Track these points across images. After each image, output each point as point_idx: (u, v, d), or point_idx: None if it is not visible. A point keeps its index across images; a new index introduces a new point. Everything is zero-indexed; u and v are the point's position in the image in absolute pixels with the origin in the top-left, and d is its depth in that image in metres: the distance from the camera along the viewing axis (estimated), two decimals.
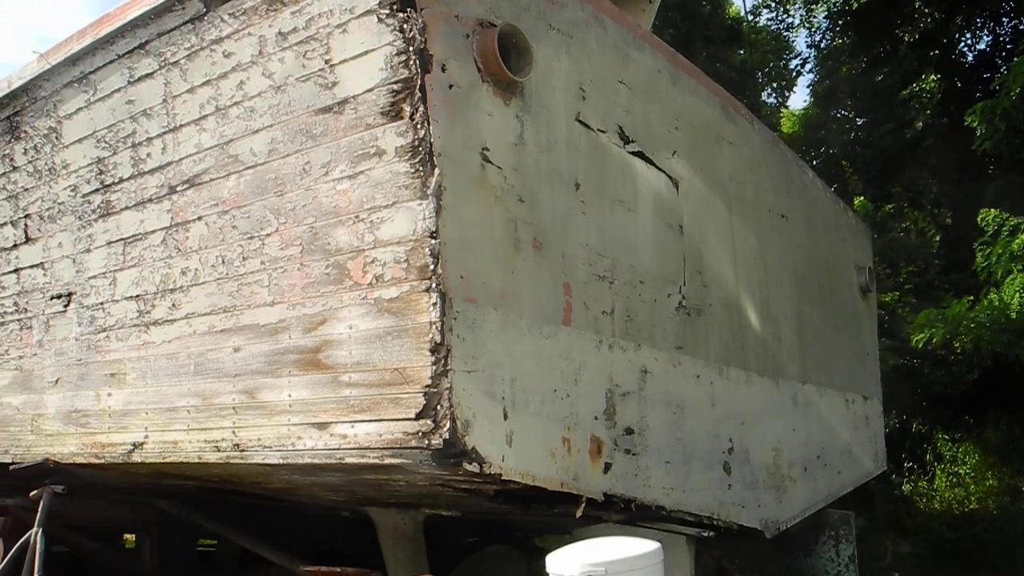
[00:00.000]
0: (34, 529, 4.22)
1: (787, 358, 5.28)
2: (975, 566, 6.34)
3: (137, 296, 4.04)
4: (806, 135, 16.09)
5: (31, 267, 4.73)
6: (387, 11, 2.99)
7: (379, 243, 2.99)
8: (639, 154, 4.00)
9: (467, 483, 3.13)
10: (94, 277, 4.30)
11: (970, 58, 12.41)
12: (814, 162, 16.77)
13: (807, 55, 19.00)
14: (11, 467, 4.63)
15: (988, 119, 9.03)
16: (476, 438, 2.81)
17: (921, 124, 10.86)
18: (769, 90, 20.36)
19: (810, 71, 17.41)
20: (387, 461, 2.92)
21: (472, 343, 2.87)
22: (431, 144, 2.88)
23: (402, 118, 2.95)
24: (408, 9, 2.95)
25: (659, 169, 4.14)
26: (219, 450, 3.56)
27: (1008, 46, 11.33)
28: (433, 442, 2.77)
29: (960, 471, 8.96)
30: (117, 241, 4.16)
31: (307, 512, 5.54)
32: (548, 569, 2.58)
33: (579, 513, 3.32)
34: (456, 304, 2.85)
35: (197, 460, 3.68)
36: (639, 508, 3.62)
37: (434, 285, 2.82)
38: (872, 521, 8.95)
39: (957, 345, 8.29)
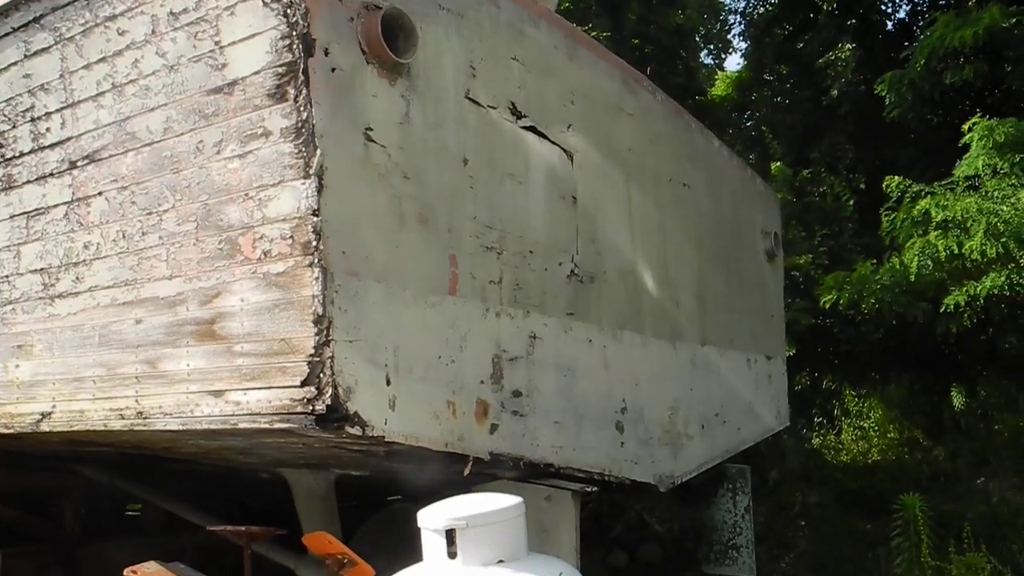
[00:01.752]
0: None
1: (686, 321, 5.55)
2: (873, 512, 6.76)
3: (41, 269, 4.12)
4: (738, 97, 16.39)
5: None
6: None
7: (267, 220, 3.13)
8: (532, 128, 4.17)
9: (355, 445, 3.32)
10: None
11: (889, 27, 12.74)
12: (746, 124, 17.13)
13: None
14: None
15: (896, 88, 9.39)
16: (358, 403, 3.00)
17: (836, 92, 11.25)
18: (706, 51, 20.57)
19: (741, 36, 17.67)
20: (276, 426, 3.09)
21: (354, 314, 3.05)
22: (313, 126, 3.02)
23: (287, 100, 3.08)
24: None
25: (552, 143, 4.32)
26: (123, 418, 3.70)
27: (925, 15, 11.68)
28: (317, 408, 2.95)
29: (865, 425, 9.46)
30: (20, 215, 4.22)
31: (230, 475, 5.69)
32: (419, 523, 2.80)
33: (467, 471, 3.54)
34: (338, 278, 3.01)
35: (103, 428, 3.80)
36: (528, 466, 3.86)
37: (316, 260, 2.98)
38: (784, 473, 9.43)
39: (864, 307, 8.69)
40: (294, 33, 3.05)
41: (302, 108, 3.03)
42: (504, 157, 3.95)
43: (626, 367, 4.72)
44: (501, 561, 2.67)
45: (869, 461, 9.13)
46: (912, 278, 8.09)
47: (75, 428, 3.97)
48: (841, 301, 8.60)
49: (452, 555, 2.66)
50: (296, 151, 3.04)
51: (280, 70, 3.09)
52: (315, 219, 2.98)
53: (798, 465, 9.25)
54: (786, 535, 8.41)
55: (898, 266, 8.35)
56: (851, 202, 10.46)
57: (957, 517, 7.10)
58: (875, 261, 8.68)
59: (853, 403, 9.82)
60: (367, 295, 3.11)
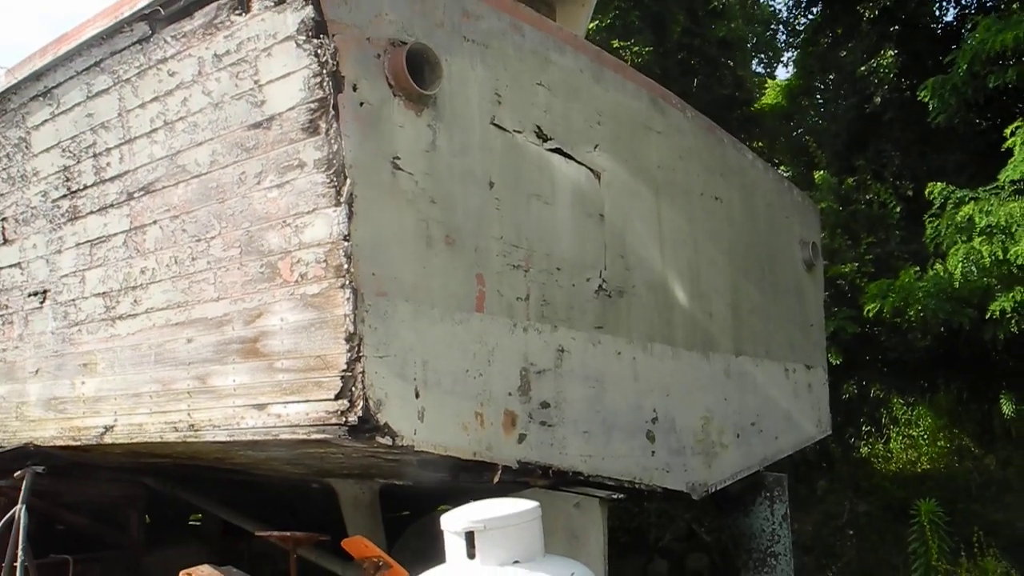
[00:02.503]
0: (18, 506, 4.64)
1: (719, 332, 5.65)
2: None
3: (104, 293, 4.44)
4: (788, 106, 16.33)
5: (9, 267, 5.13)
6: (304, 37, 3.35)
7: (303, 245, 3.38)
8: (558, 150, 4.36)
9: (388, 454, 3.53)
10: (66, 276, 4.69)
11: (936, 31, 12.61)
12: (796, 132, 17.02)
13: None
14: None
15: (939, 94, 9.34)
16: (388, 415, 3.21)
17: (880, 99, 11.18)
18: (757, 60, 20.46)
19: (789, 45, 17.61)
20: (313, 436, 3.32)
21: (384, 331, 3.27)
22: (344, 157, 3.25)
23: (319, 133, 3.32)
24: (322, 35, 3.31)
25: (579, 163, 4.50)
26: (177, 430, 3.97)
27: (970, 19, 11.56)
28: (350, 419, 3.17)
29: (914, 433, 9.37)
30: (84, 243, 4.56)
31: (283, 486, 5.97)
32: (441, 526, 2.99)
33: (496, 479, 3.72)
34: (368, 298, 3.24)
35: (159, 440, 4.09)
36: (556, 474, 4.02)
37: (348, 282, 3.21)
38: (832, 482, 9.40)
39: (911, 314, 8.64)
40: (324, 71, 3.29)
41: (333, 141, 3.27)
42: (530, 179, 4.14)
43: (657, 378, 4.85)
44: (517, 562, 2.85)
45: (918, 470, 9.05)
46: (956, 284, 8.04)
47: (135, 440, 4.27)
48: (885, 309, 8.58)
49: (471, 556, 2.85)
50: (328, 181, 3.28)
51: (312, 106, 3.33)
52: (346, 244, 3.21)
53: (846, 474, 9.21)
54: (834, 544, 8.40)
55: (942, 273, 8.30)
56: (897, 209, 10.40)
57: (1006, 526, 7.04)
58: (919, 268, 8.63)
59: (901, 411, 9.74)
60: (396, 313, 3.33)
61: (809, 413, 6.93)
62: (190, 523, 8.12)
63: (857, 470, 9.26)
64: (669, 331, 5.08)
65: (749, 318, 6.11)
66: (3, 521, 4.65)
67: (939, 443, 9.12)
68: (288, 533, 4.26)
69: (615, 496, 4.40)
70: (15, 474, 4.72)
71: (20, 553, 4.47)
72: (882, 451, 9.54)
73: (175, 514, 7.50)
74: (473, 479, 3.97)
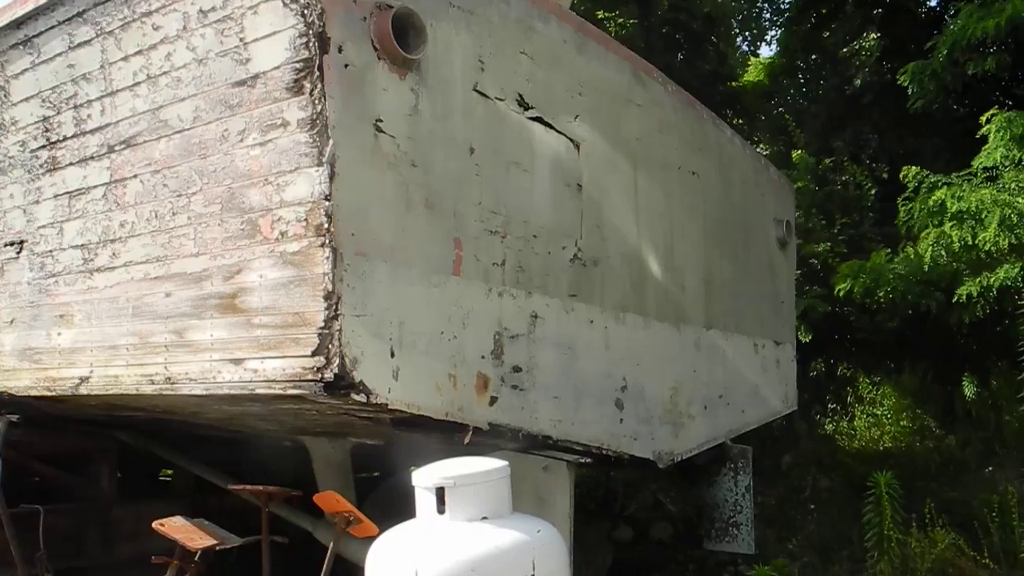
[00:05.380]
0: None
1: (691, 305, 5.76)
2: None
3: (82, 245, 4.45)
4: (769, 84, 16.38)
5: None
6: None
7: (284, 204, 3.42)
8: (539, 119, 4.40)
9: (362, 412, 3.61)
10: (43, 227, 4.69)
11: (921, 15, 12.69)
12: (778, 110, 17.10)
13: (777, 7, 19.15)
14: None
15: (919, 79, 9.44)
16: (363, 372, 3.28)
17: (860, 81, 11.28)
18: (742, 38, 20.44)
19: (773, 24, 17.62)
20: (289, 392, 3.39)
21: (361, 291, 3.32)
22: (327, 117, 3.29)
23: (303, 94, 3.35)
24: None
25: (559, 132, 4.55)
26: (153, 383, 4.02)
27: (953, 4, 11.64)
28: (325, 376, 3.24)
29: (878, 412, 9.59)
30: (63, 194, 4.56)
31: (256, 443, 6.03)
32: (413, 482, 3.07)
33: (466, 440, 3.81)
34: (347, 258, 3.29)
35: (135, 392, 4.14)
36: (527, 438, 4.12)
37: (328, 241, 3.25)
38: (797, 457, 9.61)
39: (880, 296, 8.79)
40: (311, 32, 3.32)
41: (317, 101, 3.30)
42: (510, 146, 4.19)
43: (628, 347, 4.95)
44: (485, 518, 2.95)
45: (881, 448, 9.27)
46: (926, 268, 8.18)
47: (110, 392, 4.31)
48: (856, 290, 8.72)
49: (441, 511, 2.94)
50: (311, 141, 3.31)
51: (297, 66, 3.35)
52: (327, 203, 3.25)
53: (811, 450, 9.42)
54: (795, 518, 8.60)
55: (912, 256, 8.45)
56: (872, 191, 10.54)
57: (962, 504, 7.24)
58: (890, 250, 8.78)
59: (867, 390, 9.94)
60: (374, 274, 3.39)
61: (776, 388, 7.08)
62: (161, 479, 8.19)
63: (821, 446, 9.47)
64: (642, 302, 5.18)
65: (721, 292, 6.22)
66: None
67: (902, 423, 9.34)
68: (261, 487, 4.33)
69: (583, 460, 4.51)
70: None
71: None
72: (846, 429, 9.75)
73: (146, 470, 7.55)
74: (444, 440, 4.05)
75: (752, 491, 6.33)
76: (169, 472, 8.05)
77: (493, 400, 3.90)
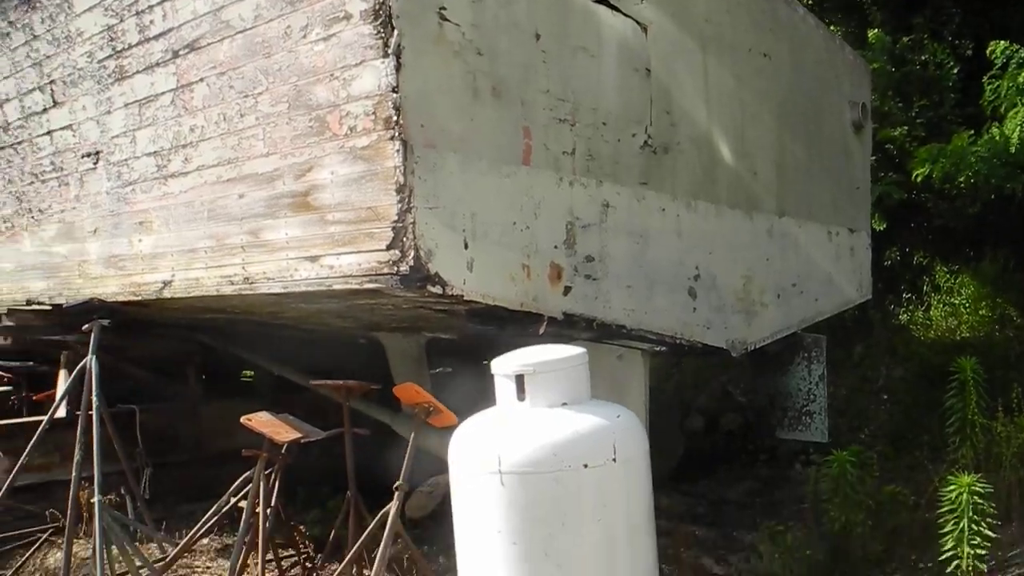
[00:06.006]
0: (88, 357, 4.90)
1: (763, 192, 5.62)
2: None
3: (155, 152, 4.52)
4: None
5: (62, 129, 5.22)
6: None
7: (351, 98, 3.39)
8: (604, 2, 4.25)
9: (438, 304, 3.65)
10: (116, 137, 4.78)
11: None
12: None
13: None
14: (64, 306, 5.30)
15: None
16: (438, 264, 3.30)
17: None
18: None
19: None
20: (366, 286, 3.44)
21: (433, 183, 3.31)
22: (390, 8, 3.22)
23: None
24: None
25: (626, 15, 4.39)
26: (232, 284, 4.12)
27: None
28: (401, 269, 3.27)
29: (955, 301, 9.32)
30: (133, 103, 4.61)
31: (332, 341, 6.18)
32: (492, 370, 3.11)
33: (541, 330, 3.84)
34: (417, 150, 3.27)
35: (216, 293, 4.25)
36: (600, 327, 4.13)
37: (397, 134, 3.23)
38: (869, 348, 9.45)
39: (960, 180, 8.43)
40: None
41: None
42: (576, 31, 4.07)
43: (700, 236, 4.88)
44: (565, 404, 2.98)
45: (957, 338, 9.04)
46: (1013, 149, 7.79)
47: (192, 294, 4.44)
48: (935, 174, 8.37)
49: (521, 398, 2.98)
50: (375, 32, 3.26)
51: None
52: (394, 96, 3.22)
53: (884, 340, 9.25)
54: (867, 408, 8.52)
55: (998, 137, 8.04)
56: (954, 70, 9.96)
57: None
58: (973, 132, 8.37)
59: (944, 279, 9.64)
60: (444, 165, 3.37)
61: (850, 277, 6.94)
62: (243, 379, 8.52)
63: (895, 336, 9.28)
64: (713, 189, 5.07)
65: (794, 178, 6.05)
66: (75, 372, 4.92)
67: (981, 312, 9.07)
68: (341, 382, 4.45)
69: (657, 349, 4.51)
70: (83, 327, 4.95)
71: (95, 400, 4.74)
72: (921, 318, 9.52)
73: (227, 371, 7.85)
74: (518, 331, 4.09)
75: (826, 380, 6.29)
76: (250, 373, 8.36)
77: (567, 290, 3.90)
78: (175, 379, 6.99)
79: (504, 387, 3.03)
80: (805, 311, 6.14)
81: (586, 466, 2.76)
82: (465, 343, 5.85)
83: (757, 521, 5.64)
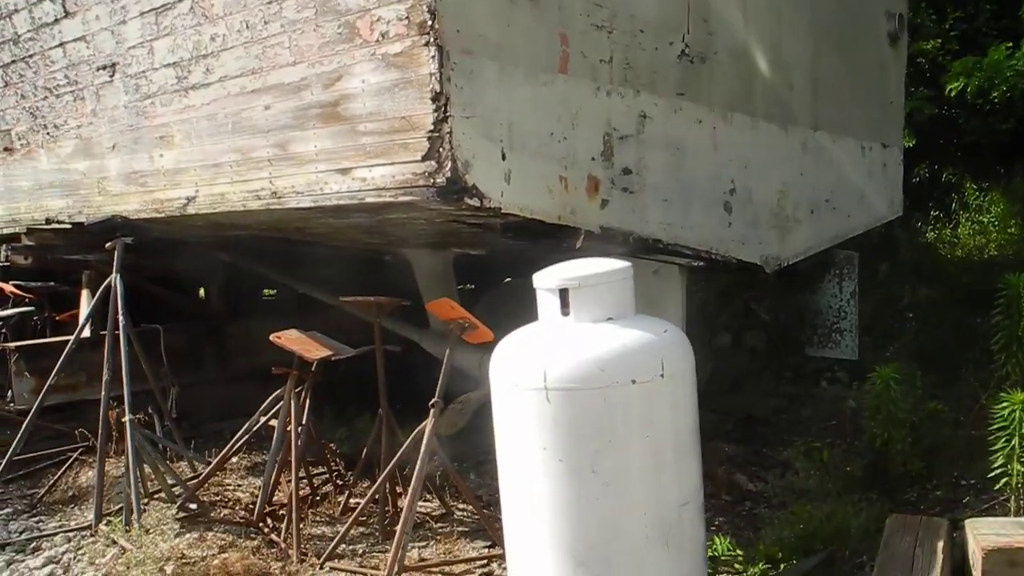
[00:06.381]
0: (112, 275, 4.84)
1: (799, 105, 5.43)
2: (983, 306, 6.73)
3: (174, 63, 4.37)
4: None
5: (75, 40, 5.05)
6: None
7: (383, 3, 3.22)
8: None
9: (474, 218, 3.54)
10: (133, 47, 4.61)
11: None
12: None
13: None
14: (86, 224, 5.22)
15: None
16: (476, 176, 3.19)
17: None
18: None
19: None
20: (400, 199, 3.33)
21: (470, 91, 3.17)
22: None
23: None
24: None
25: None
26: (259, 198, 4.02)
27: None
28: (437, 180, 3.16)
29: (984, 219, 9.16)
30: (149, 11, 4.43)
31: (357, 259, 6.10)
32: (534, 284, 3.02)
33: (578, 244, 3.73)
34: (453, 56, 3.12)
35: (242, 209, 4.15)
36: (637, 241, 4.02)
37: (432, 40, 3.08)
38: (895, 267, 9.32)
39: (995, 95, 8.17)
40: None
41: None
42: None
43: (735, 149, 4.73)
44: (610, 319, 2.89)
45: (985, 256, 8.91)
46: None
47: (217, 210, 4.34)
48: (969, 89, 8.11)
49: (565, 313, 2.90)
50: None
51: None
52: None
53: (910, 259, 9.12)
54: (893, 326, 8.44)
55: None
56: None
57: None
58: (1011, 45, 8.07)
59: (973, 197, 9.44)
60: (482, 73, 3.22)
61: (883, 193, 6.77)
62: (264, 297, 8.49)
63: (922, 255, 9.15)
64: (749, 101, 4.89)
65: (829, 91, 5.84)
66: (99, 291, 4.86)
67: (1010, 230, 8.91)
68: (372, 298, 4.39)
69: (695, 264, 4.42)
70: (106, 245, 4.88)
71: (121, 319, 4.70)
72: (949, 237, 9.36)
73: (248, 289, 7.80)
74: (552, 246, 3.99)
75: (857, 297, 6.18)
76: (271, 291, 8.33)
77: (604, 203, 3.78)
78: (197, 298, 6.96)
79: (547, 301, 2.94)
80: (837, 227, 6.01)
81: (634, 382, 2.69)
82: (490, 261, 5.77)
83: (786, 438, 5.63)
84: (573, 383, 2.68)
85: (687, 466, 2.90)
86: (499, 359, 2.98)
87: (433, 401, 3.69)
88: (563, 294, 2.88)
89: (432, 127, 3.13)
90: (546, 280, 2.94)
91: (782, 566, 3.44)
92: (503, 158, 3.30)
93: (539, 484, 2.77)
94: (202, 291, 7.67)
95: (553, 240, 3.90)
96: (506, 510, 3.01)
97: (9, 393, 5.97)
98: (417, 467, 3.63)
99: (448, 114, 3.11)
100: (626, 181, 3.90)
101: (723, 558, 3.48)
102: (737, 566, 3.55)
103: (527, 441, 2.79)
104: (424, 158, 3.17)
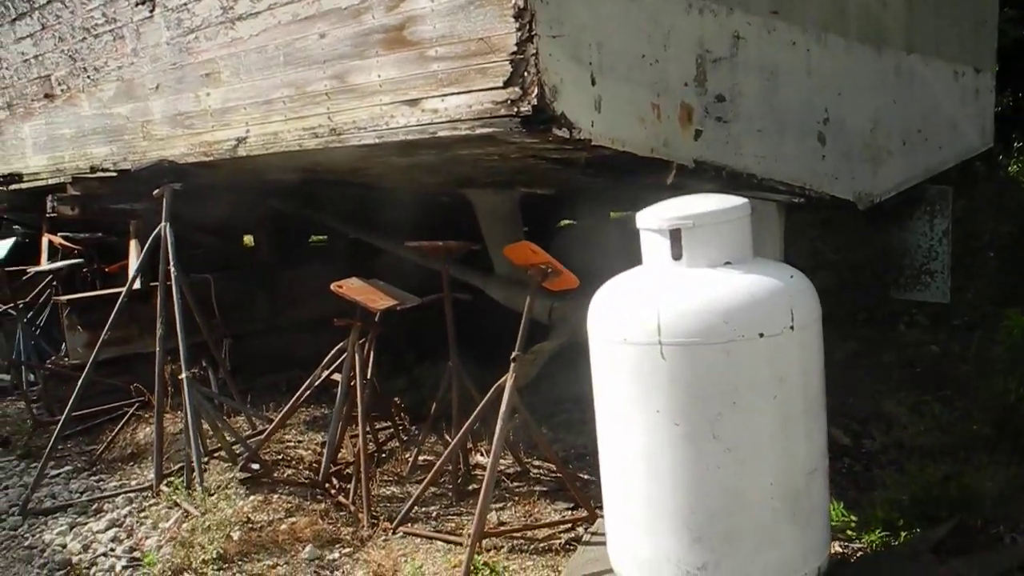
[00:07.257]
0: (162, 223, 4.58)
1: (892, 23, 4.95)
2: None
3: None
4: None
5: None
6: None
7: None
8: None
9: (558, 152, 3.19)
10: None
11: None
12: None
13: None
14: (132, 171, 4.95)
15: None
16: (564, 104, 2.82)
17: None
18: None
19: None
20: (478, 132, 2.98)
21: (556, 6, 2.79)
22: None
23: None
24: None
25: None
26: (317, 136, 3.70)
27: None
28: (522, 109, 2.80)
29: None
30: None
31: (410, 203, 5.76)
32: (637, 224, 2.67)
33: (669, 180, 3.37)
34: None
35: (298, 148, 3.84)
36: (730, 176, 3.64)
37: None
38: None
39: None
40: None
41: None
42: None
43: (829, 74, 4.29)
44: (728, 263, 2.55)
45: None
46: None
47: (270, 151, 4.03)
48: None
49: (677, 256, 2.56)
50: None
51: None
52: None
53: (991, 193, 8.58)
54: (973, 266, 7.97)
55: None
56: None
57: None
58: None
59: None
60: None
61: (974, 122, 6.25)
62: (312, 243, 8.23)
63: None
64: (843, 20, 4.43)
65: (922, 9, 5.33)
66: (150, 239, 4.61)
67: None
68: (440, 243, 4.08)
69: (796, 200, 4.03)
70: (154, 192, 4.61)
71: (172, 270, 4.44)
72: None
73: (295, 236, 7.54)
74: (634, 182, 3.64)
75: (950, 236, 5.72)
76: (319, 238, 8.06)
77: (698, 133, 3.40)
78: (245, 246, 6.71)
79: (654, 244, 2.60)
80: (929, 160, 5.55)
81: (761, 335, 2.36)
82: (553, 201, 5.41)
83: (871, 386, 5.27)
84: (693, 337, 2.35)
85: (816, 429, 2.58)
86: (600, 309, 2.65)
87: (514, 355, 3.38)
88: (675, 235, 2.54)
89: (515, 48, 2.77)
90: (653, 219, 2.59)
91: (903, 534, 3.11)
92: (592, 83, 2.93)
93: (652, 451, 2.46)
94: (249, 239, 7.43)
95: (636, 176, 3.54)
96: (607, 477, 2.71)
97: (63, 347, 5.80)
98: (499, 426, 3.35)
99: (533, 33, 2.74)
100: (720, 109, 3.50)
101: (834, 524, 3.16)
102: (850, 532, 3.23)
103: (637, 403, 2.47)
104: (506, 84, 2.82)
